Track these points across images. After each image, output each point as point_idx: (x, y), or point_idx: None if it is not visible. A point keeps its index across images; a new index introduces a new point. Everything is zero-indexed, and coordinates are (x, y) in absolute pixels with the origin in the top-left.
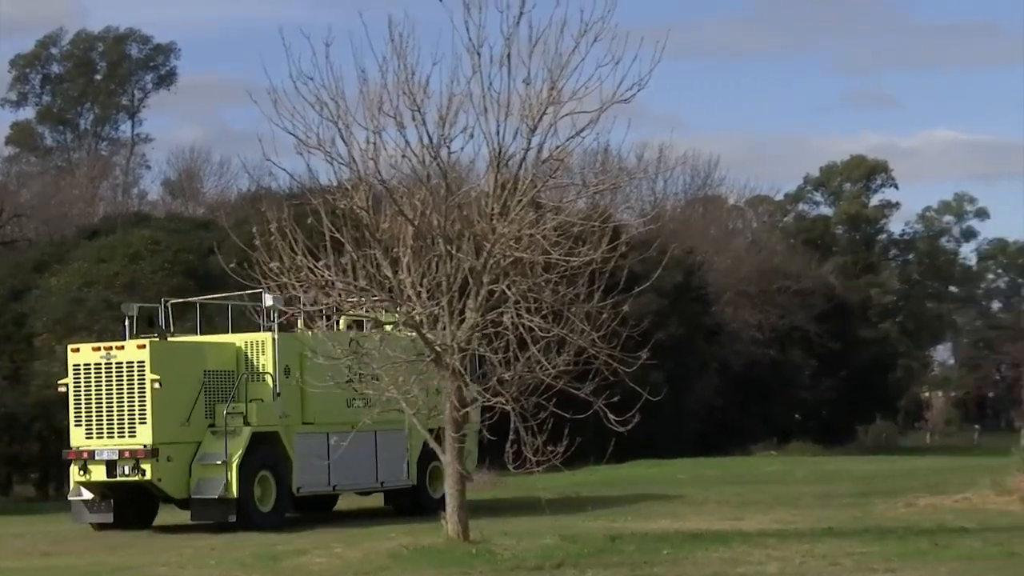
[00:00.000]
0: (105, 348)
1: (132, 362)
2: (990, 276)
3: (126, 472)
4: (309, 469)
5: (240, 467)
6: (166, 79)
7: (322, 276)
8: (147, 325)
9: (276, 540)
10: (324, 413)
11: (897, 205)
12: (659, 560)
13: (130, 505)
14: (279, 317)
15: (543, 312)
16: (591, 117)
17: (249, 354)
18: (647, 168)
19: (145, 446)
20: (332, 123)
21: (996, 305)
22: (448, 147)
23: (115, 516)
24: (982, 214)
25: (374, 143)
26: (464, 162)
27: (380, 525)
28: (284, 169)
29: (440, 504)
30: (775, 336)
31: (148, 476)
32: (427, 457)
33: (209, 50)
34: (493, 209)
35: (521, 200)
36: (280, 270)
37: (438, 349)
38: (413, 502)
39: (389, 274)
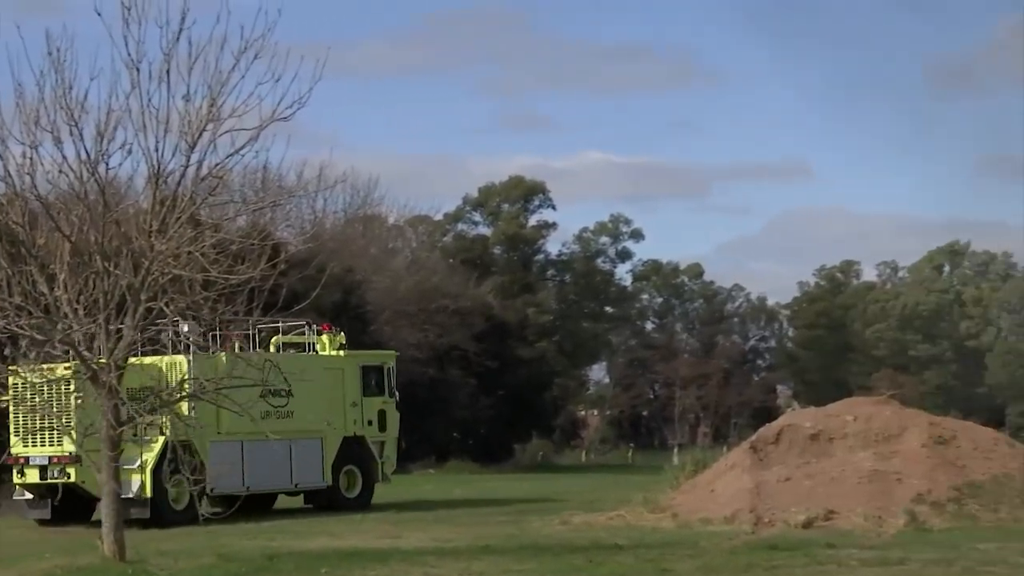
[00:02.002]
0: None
1: (60, 381)
2: (644, 296)
3: (55, 475)
4: (223, 473)
5: (154, 471)
6: None
7: None
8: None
9: None
10: (238, 423)
11: (554, 226)
12: None
13: (68, 503)
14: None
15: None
16: (251, 135)
17: (168, 373)
18: (307, 186)
19: (70, 453)
20: None
21: (650, 325)
22: (106, 163)
23: (54, 512)
24: (637, 235)
25: (31, 158)
26: (123, 178)
27: (45, 538)
28: None
29: (353, 504)
30: (434, 355)
31: (73, 479)
32: (341, 462)
33: None
34: (151, 226)
35: (180, 217)
36: None
37: (94, 367)
38: (329, 501)
39: (45, 291)
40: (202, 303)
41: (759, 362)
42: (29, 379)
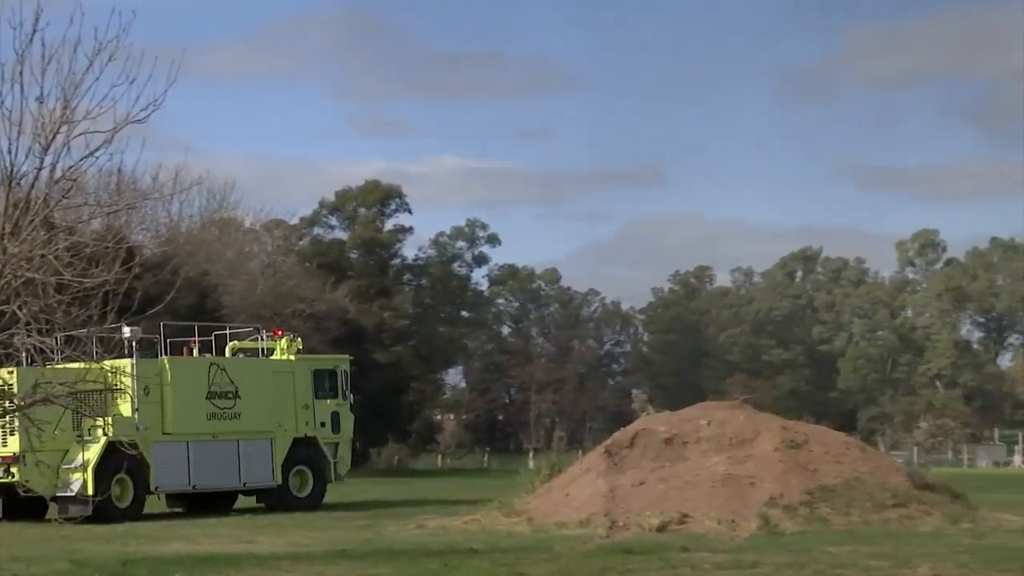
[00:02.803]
0: None
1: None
2: (500, 301)
3: (0, 475)
4: (168, 472)
5: (96, 470)
6: None
7: None
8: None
9: None
10: (183, 425)
11: (411, 230)
12: None
13: (21, 501)
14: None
15: (55, 333)
16: (105, 137)
17: (112, 377)
18: (162, 189)
19: (14, 454)
20: None
21: (506, 329)
22: None
23: (5, 510)
24: (494, 240)
25: None
26: None
27: None
28: None
29: (304, 503)
30: None
31: (16, 478)
32: (291, 462)
33: None
34: (4, 229)
35: (33, 220)
36: None
37: None
38: (279, 500)
39: None
40: (55, 307)
41: (614, 366)
42: None
